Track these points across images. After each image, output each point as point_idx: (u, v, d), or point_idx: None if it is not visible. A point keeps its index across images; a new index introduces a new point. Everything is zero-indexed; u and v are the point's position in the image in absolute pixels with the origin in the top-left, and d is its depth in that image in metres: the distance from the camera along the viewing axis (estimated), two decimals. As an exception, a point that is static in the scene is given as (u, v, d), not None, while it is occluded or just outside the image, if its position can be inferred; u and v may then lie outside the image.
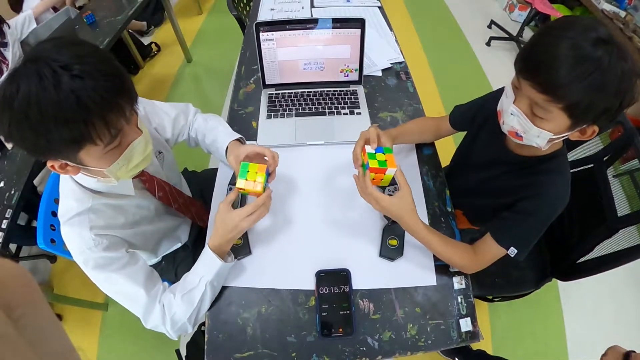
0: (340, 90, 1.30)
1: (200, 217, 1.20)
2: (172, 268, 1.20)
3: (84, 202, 0.82)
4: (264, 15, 1.72)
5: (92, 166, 0.72)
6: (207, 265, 0.87)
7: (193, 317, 0.87)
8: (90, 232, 0.80)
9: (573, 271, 1.16)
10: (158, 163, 1.05)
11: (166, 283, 0.92)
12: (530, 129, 0.72)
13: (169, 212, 1.10)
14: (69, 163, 0.71)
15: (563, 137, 0.72)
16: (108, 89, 0.63)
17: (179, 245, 1.22)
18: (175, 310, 0.85)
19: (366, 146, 0.87)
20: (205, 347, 0.85)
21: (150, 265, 1.10)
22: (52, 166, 0.71)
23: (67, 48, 0.63)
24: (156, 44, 3.19)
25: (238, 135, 1.10)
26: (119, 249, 0.85)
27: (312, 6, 1.76)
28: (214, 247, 0.87)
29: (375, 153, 0.85)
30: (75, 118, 0.61)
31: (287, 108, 1.25)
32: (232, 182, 1.07)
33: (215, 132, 1.12)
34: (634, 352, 0.91)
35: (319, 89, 1.30)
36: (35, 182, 1.62)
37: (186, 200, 1.14)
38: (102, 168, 0.73)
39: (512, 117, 0.74)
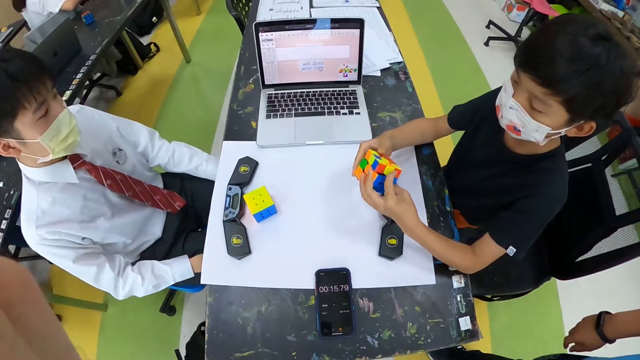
0: (339, 90, 1.30)
1: (168, 204, 1.24)
2: None
3: (31, 197, 0.93)
4: (263, 15, 1.72)
5: (27, 138, 0.82)
6: (184, 273, 1.16)
7: None
8: (37, 230, 0.91)
9: (572, 270, 1.16)
10: (111, 159, 1.12)
11: (128, 260, 1.14)
12: (529, 122, 0.72)
13: (130, 208, 1.15)
14: (10, 143, 0.83)
15: (561, 132, 0.72)
16: (30, 64, 0.81)
17: (153, 240, 1.26)
18: (138, 290, 1.10)
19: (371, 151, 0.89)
20: (206, 346, 0.85)
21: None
22: None
23: (4, 50, 0.81)
24: (155, 44, 3.20)
25: None
26: (67, 246, 0.96)
27: (311, 6, 1.76)
28: (194, 265, 1.17)
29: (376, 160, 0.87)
30: (8, 89, 0.76)
31: (287, 108, 1.25)
32: (232, 182, 1.07)
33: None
34: (607, 312, 0.92)
35: (318, 89, 1.30)
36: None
37: (145, 188, 1.18)
38: (35, 138, 0.83)
39: (511, 111, 0.74)
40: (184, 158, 1.33)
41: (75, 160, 0.98)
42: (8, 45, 0.89)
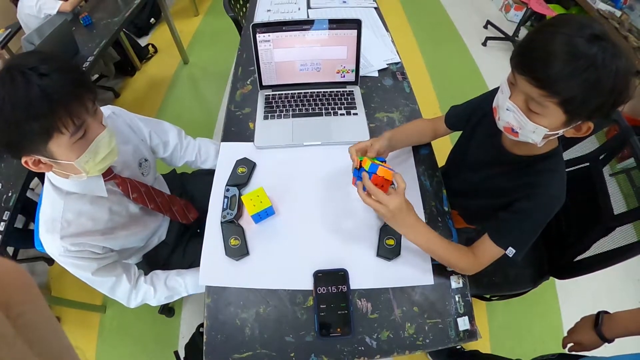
0: (336, 91, 1.30)
1: (183, 215, 1.23)
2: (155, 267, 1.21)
3: (57, 206, 0.88)
4: (260, 16, 1.72)
5: (61, 159, 0.77)
6: (197, 285, 1.06)
7: None
8: (61, 241, 0.87)
9: (570, 269, 1.16)
10: (138, 170, 1.09)
11: (142, 270, 1.10)
12: (526, 124, 0.72)
13: (146, 218, 1.13)
14: (41, 159, 0.77)
15: (558, 133, 0.72)
16: (69, 82, 0.73)
17: (157, 241, 1.25)
18: (150, 301, 1.08)
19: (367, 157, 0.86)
20: (204, 347, 0.85)
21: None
22: (26, 162, 0.76)
23: (33, 55, 0.74)
24: (153, 46, 3.20)
25: None
26: (89, 257, 0.93)
27: (309, 7, 1.76)
28: None
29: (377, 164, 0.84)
30: (42, 108, 0.69)
31: (284, 109, 1.25)
32: (230, 183, 1.07)
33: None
34: (605, 312, 0.92)
35: (315, 90, 1.30)
36: (32, 185, 1.62)
37: (166, 198, 1.17)
38: (70, 160, 0.78)
39: (508, 113, 0.74)
40: (211, 154, 1.32)
41: (107, 173, 0.96)
42: (46, 53, 0.78)
